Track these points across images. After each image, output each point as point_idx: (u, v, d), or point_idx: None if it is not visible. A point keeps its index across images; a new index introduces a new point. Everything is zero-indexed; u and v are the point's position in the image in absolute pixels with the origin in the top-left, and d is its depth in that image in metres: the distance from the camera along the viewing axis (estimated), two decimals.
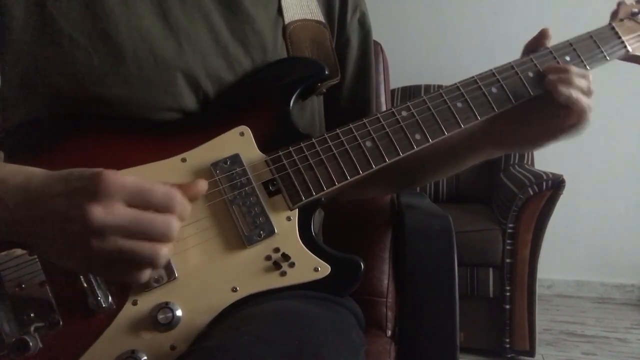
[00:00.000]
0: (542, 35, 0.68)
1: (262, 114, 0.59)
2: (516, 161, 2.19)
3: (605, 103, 2.37)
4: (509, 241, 1.80)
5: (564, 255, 2.48)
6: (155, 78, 0.55)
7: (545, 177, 1.75)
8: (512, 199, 1.80)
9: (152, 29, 0.56)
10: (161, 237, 0.43)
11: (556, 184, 1.72)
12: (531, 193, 1.75)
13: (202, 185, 0.50)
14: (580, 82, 0.63)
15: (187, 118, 0.58)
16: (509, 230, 1.80)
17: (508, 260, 1.81)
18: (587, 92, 0.63)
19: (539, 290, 1.86)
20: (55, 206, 0.42)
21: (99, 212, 0.40)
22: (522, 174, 1.91)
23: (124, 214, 0.42)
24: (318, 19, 0.69)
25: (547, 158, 2.26)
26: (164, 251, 0.44)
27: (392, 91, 2.34)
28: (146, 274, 0.45)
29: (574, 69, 0.64)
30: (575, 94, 0.61)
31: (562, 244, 2.42)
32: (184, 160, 0.56)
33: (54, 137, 0.54)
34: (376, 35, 1.03)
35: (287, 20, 0.66)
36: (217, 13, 0.60)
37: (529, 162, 2.20)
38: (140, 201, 0.43)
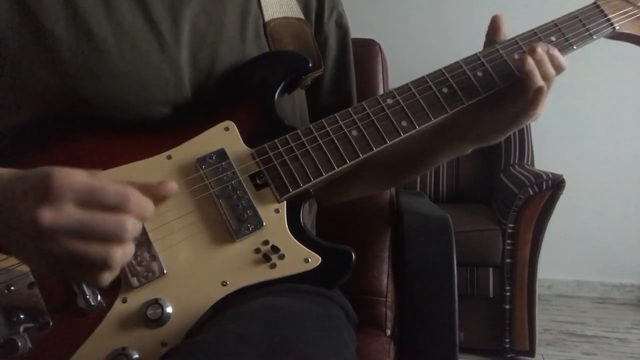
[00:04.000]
0: (494, 25, 0.65)
1: (247, 109, 0.59)
2: (516, 161, 2.19)
3: (605, 103, 2.37)
4: (509, 241, 1.80)
5: (564, 255, 2.48)
6: (140, 71, 0.56)
7: (545, 177, 1.75)
8: (512, 199, 1.80)
9: (134, 22, 0.56)
10: (114, 238, 0.42)
11: (556, 184, 1.72)
12: (531, 193, 1.75)
13: (172, 185, 0.48)
14: (546, 66, 0.60)
15: (174, 115, 0.58)
16: (509, 230, 1.80)
17: (508, 260, 1.81)
18: (546, 75, 0.60)
19: (539, 290, 1.86)
20: (13, 208, 0.41)
21: (47, 215, 0.39)
22: (522, 174, 1.91)
23: (73, 215, 0.40)
24: (298, 16, 0.70)
25: (547, 158, 2.26)
26: (118, 253, 0.42)
27: None
28: (105, 276, 0.44)
29: (539, 50, 0.60)
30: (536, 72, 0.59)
31: (562, 244, 2.42)
32: (169, 157, 0.55)
33: (43, 141, 0.54)
34: (376, 35, 1.03)
35: (267, 17, 0.66)
36: (196, 4, 0.61)
37: (529, 162, 2.20)
38: (92, 201, 0.41)
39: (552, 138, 2.39)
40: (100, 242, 0.41)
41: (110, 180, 0.44)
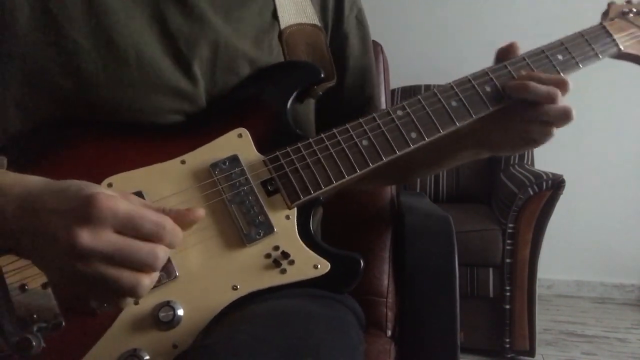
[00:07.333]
0: (513, 48, 0.68)
1: (259, 117, 0.61)
2: (516, 161, 2.19)
3: (605, 103, 2.37)
4: (509, 241, 1.80)
5: (564, 255, 2.48)
6: (157, 83, 0.56)
7: (545, 177, 1.75)
8: (512, 199, 1.80)
9: (153, 35, 0.57)
10: (145, 268, 0.43)
11: (556, 184, 1.72)
12: (531, 193, 1.75)
13: (200, 212, 0.49)
14: (538, 89, 0.62)
15: (188, 121, 0.59)
16: (509, 230, 1.80)
17: (508, 260, 1.81)
18: (547, 97, 0.63)
19: (539, 290, 1.87)
20: (47, 223, 0.41)
21: (86, 237, 0.40)
22: (522, 174, 1.91)
23: (111, 241, 0.41)
24: (314, 22, 0.70)
25: (547, 158, 2.26)
26: (146, 282, 0.43)
27: (392, 91, 2.34)
28: (125, 302, 0.45)
29: (536, 75, 0.63)
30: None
31: (562, 244, 2.42)
32: (183, 162, 0.56)
33: (57, 144, 0.55)
34: (376, 35, 1.03)
35: (282, 25, 0.67)
36: (212, 13, 0.61)
37: (529, 162, 2.21)
38: (130, 229, 0.42)
39: (552, 138, 2.39)
40: (131, 270, 0.42)
41: (147, 208, 0.44)
